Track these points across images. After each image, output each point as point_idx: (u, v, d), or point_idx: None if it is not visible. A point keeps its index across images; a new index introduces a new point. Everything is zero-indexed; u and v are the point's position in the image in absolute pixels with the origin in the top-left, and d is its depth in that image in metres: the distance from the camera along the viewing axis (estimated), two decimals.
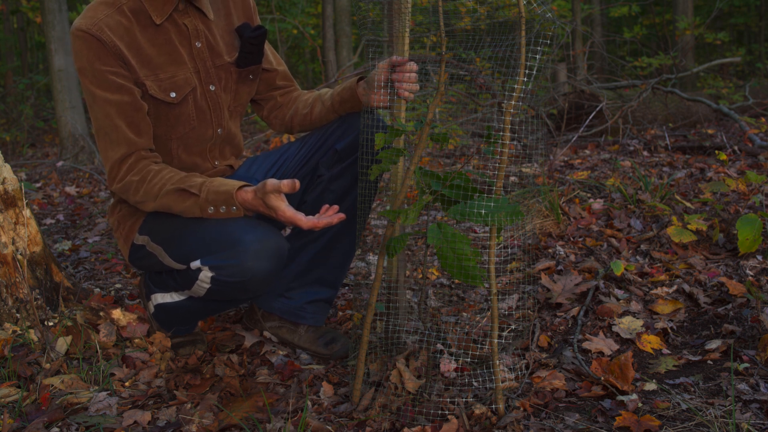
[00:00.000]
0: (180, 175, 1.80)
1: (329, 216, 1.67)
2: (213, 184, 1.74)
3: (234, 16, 2.00)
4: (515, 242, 2.78)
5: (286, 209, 1.66)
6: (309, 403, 1.74)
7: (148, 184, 1.79)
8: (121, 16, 1.80)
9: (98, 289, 2.42)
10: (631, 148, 5.05)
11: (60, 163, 6.32)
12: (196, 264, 1.78)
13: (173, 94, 1.86)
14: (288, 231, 2.29)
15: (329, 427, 1.62)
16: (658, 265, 2.48)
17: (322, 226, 1.65)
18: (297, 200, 2.04)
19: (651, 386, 1.71)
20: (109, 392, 1.80)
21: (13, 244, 2.08)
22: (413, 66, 1.76)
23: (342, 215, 1.66)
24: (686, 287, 2.24)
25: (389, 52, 1.78)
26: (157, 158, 1.86)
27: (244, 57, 1.97)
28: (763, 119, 6.19)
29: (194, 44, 1.89)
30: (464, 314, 2.26)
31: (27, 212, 2.14)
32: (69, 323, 2.05)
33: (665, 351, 1.93)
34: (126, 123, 1.80)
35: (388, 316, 1.84)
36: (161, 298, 2.00)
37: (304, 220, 1.65)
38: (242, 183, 1.73)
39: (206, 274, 1.77)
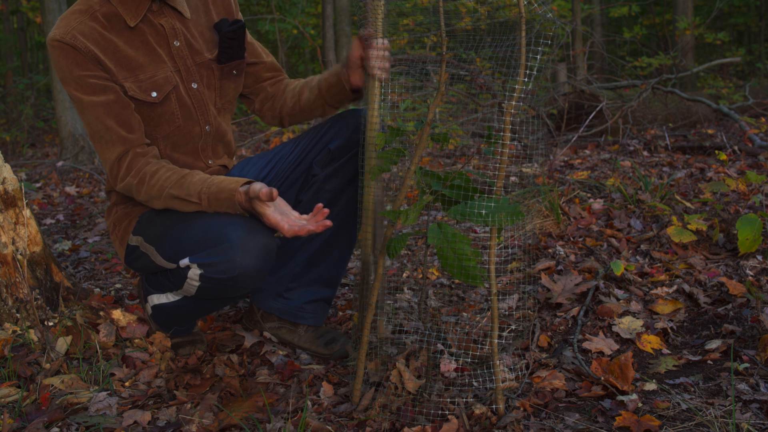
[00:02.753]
0: (177, 175, 1.79)
1: (314, 224, 1.64)
2: (211, 190, 1.73)
3: (213, 12, 2.00)
4: (515, 242, 2.78)
5: (270, 215, 1.67)
6: (309, 403, 1.74)
7: (147, 186, 1.80)
8: (94, 22, 1.81)
9: (98, 289, 2.42)
10: (631, 148, 5.05)
11: (60, 163, 6.32)
12: (185, 262, 1.78)
13: (154, 94, 1.86)
14: None
15: (329, 427, 1.62)
16: (658, 265, 2.48)
17: (305, 234, 1.64)
18: (292, 200, 2.04)
19: (651, 386, 1.71)
20: (109, 392, 1.80)
21: (13, 244, 2.08)
22: (384, 43, 1.73)
23: (328, 222, 1.64)
24: (686, 287, 2.24)
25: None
26: (153, 152, 1.86)
27: (225, 53, 1.97)
28: (763, 119, 6.19)
29: (172, 43, 1.89)
30: (464, 314, 2.26)
31: (27, 212, 2.14)
32: (69, 323, 2.05)
33: (665, 351, 1.93)
34: (117, 122, 1.81)
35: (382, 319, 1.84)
36: (157, 299, 2.00)
37: (287, 228, 1.64)
38: (239, 183, 1.72)
39: (195, 272, 1.77)
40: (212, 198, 1.73)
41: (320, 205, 1.68)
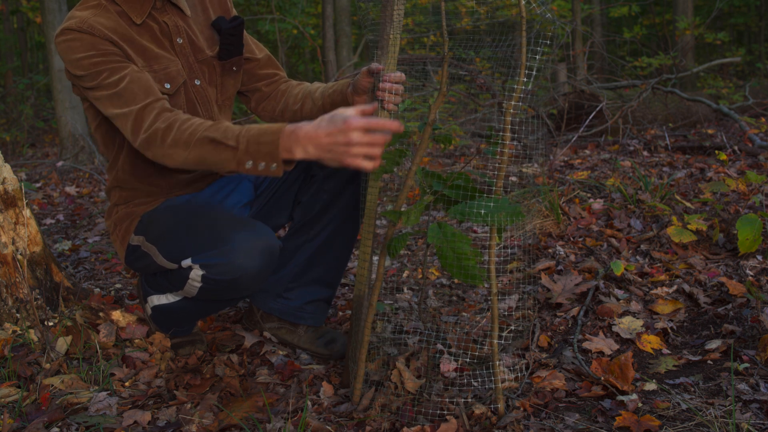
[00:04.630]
0: (210, 122, 1.65)
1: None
2: (251, 133, 1.54)
3: (210, 10, 2.01)
4: (515, 242, 2.78)
5: (352, 112, 1.45)
6: (309, 403, 1.74)
7: (177, 131, 1.64)
8: (108, 14, 1.80)
9: (98, 289, 2.42)
10: (631, 148, 5.05)
11: (60, 163, 6.32)
12: (187, 262, 1.78)
13: (168, 85, 1.85)
14: (285, 231, 2.28)
15: (329, 427, 1.62)
16: (658, 265, 2.48)
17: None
18: (291, 200, 2.04)
19: (651, 386, 1.71)
20: (109, 392, 1.80)
21: (13, 244, 2.08)
22: (400, 76, 1.70)
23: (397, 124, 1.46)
24: (686, 287, 2.24)
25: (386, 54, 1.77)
26: (181, 111, 1.79)
27: (225, 49, 1.97)
28: (763, 119, 6.19)
29: (176, 41, 1.89)
30: (464, 314, 2.26)
31: (27, 212, 2.14)
32: (69, 323, 2.05)
33: (665, 351, 1.93)
34: (141, 80, 1.74)
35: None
36: (157, 299, 2.00)
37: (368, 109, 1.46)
38: (283, 125, 1.53)
39: (197, 273, 1.76)
40: (252, 141, 1.53)
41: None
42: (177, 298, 1.95)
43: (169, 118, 1.66)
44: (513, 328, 2.10)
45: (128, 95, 1.72)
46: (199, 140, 1.60)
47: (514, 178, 4.06)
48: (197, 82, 1.93)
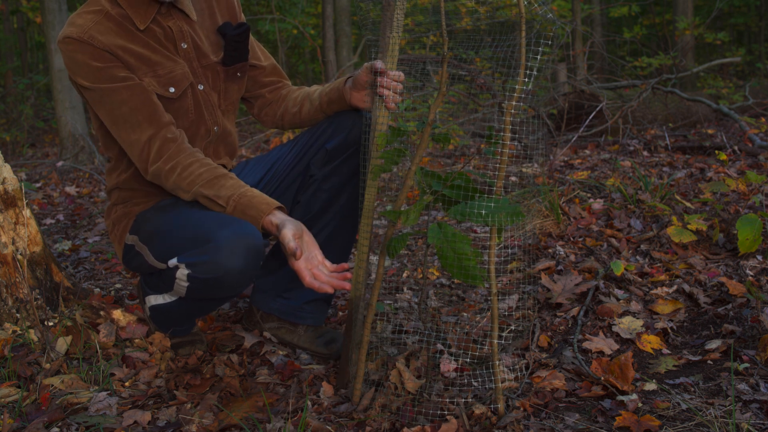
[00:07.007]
0: (209, 173, 1.78)
1: (335, 283, 1.68)
2: (242, 201, 1.73)
3: (218, 15, 2.01)
4: (515, 242, 2.78)
5: (294, 262, 1.68)
6: (309, 403, 1.74)
7: (178, 176, 1.79)
8: (109, 22, 1.80)
9: (98, 289, 2.42)
10: (631, 148, 5.05)
11: (60, 163, 6.32)
12: (173, 262, 1.78)
13: (172, 89, 1.86)
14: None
15: (329, 427, 1.62)
16: (658, 265, 2.48)
17: (317, 290, 1.68)
18: (290, 201, 2.04)
19: (651, 386, 1.71)
20: (109, 392, 1.80)
21: (13, 244, 2.08)
22: (400, 76, 1.72)
23: (346, 285, 1.69)
24: (686, 287, 2.24)
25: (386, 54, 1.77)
26: (184, 139, 1.85)
27: (230, 55, 1.97)
28: (763, 119, 6.19)
29: (180, 46, 1.90)
30: (464, 314, 2.26)
31: (27, 212, 2.14)
32: (69, 323, 2.05)
33: (665, 351, 1.93)
34: (144, 103, 1.80)
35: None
36: (155, 299, 2.00)
37: (307, 280, 1.67)
38: (271, 208, 1.72)
39: (183, 272, 1.76)
40: (238, 209, 1.73)
41: (345, 265, 1.72)
42: (173, 298, 1.95)
43: (172, 159, 1.80)
44: (513, 328, 2.10)
45: (133, 121, 1.81)
46: (196, 193, 1.78)
47: (514, 178, 4.06)
48: (201, 87, 1.94)
